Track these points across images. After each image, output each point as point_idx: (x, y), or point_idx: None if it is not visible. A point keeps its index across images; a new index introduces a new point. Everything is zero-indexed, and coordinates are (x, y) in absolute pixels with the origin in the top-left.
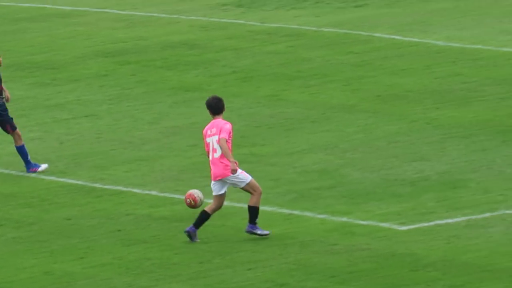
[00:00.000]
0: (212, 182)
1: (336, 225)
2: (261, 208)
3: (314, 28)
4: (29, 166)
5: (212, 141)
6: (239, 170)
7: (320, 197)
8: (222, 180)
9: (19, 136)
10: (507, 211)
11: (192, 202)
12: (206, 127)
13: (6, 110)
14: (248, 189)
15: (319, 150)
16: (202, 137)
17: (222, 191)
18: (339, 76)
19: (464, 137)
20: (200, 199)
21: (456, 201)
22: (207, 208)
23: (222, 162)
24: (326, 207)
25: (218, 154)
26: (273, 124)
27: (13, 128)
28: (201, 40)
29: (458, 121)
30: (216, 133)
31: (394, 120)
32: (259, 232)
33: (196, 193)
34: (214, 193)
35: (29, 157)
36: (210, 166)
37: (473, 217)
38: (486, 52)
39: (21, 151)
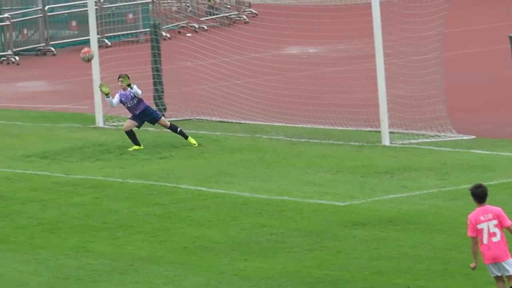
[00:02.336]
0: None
1: None
2: None
3: (119, 180)
4: None
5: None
6: None
7: None
8: None
9: None
10: None
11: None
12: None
13: None
14: None
15: None
16: None
17: None
18: (146, 227)
19: None
20: None
21: None
22: None
23: None
24: None
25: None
26: (81, 276)
27: None
28: (6, 192)
29: (266, 272)
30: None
31: (202, 272)
32: None
33: None
34: None
35: None
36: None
37: None
38: (292, 203)
39: None
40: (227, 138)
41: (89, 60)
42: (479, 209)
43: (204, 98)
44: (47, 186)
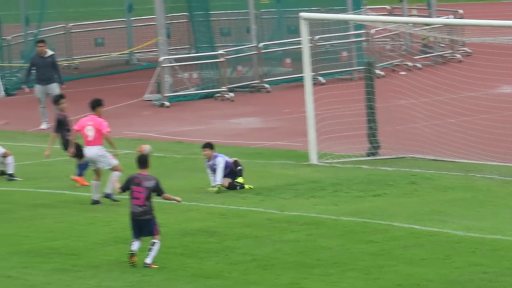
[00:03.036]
0: None
1: None
2: None
3: (333, 217)
4: None
5: None
6: None
7: None
8: None
9: None
10: None
11: None
12: None
13: None
14: None
15: None
16: None
17: None
18: (359, 264)
19: None
20: None
21: None
22: None
23: None
24: None
25: None
26: None
27: None
28: (220, 228)
29: None
30: None
31: None
32: None
33: None
34: None
35: None
36: None
37: None
38: (505, 242)
39: None
40: (441, 177)
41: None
42: None
43: (418, 136)
44: (261, 222)
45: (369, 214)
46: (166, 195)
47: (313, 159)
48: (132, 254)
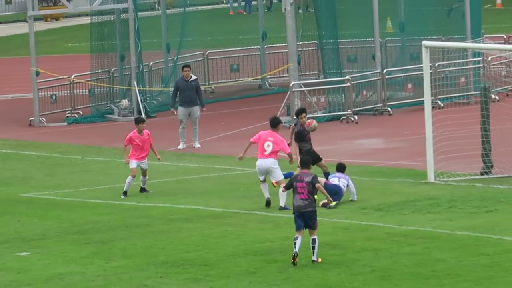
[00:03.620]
0: None
1: None
2: None
3: (448, 231)
4: None
5: None
6: None
7: None
8: None
9: None
10: None
11: None
12: None
13: None
14: None
15: None
16: None
17: None
18: (471, 276)
19: None
20: None
21: None
22: None
23: None
24: None
25: None
26: None
27: None
28: (343, 241)
29: None
30: None
31: None
32: None
33: None
34: None
35: None
36: None
37: None
38: None
39: None
40: None
41: (313, 130)
42: None
43: None
44: (380, 236)
45: (481, 229)
46: (320, 186)
47: (431, 177)
48: (295, 255)
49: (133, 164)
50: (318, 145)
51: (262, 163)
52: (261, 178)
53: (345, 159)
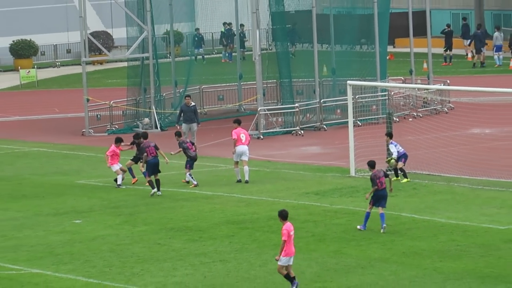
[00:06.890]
0: None
1: None
2: None
3: (363, 209)
4: None
5: None
6: None
7: None
8: None
9: None
10: None
11: None
12: None
13: None
14: None
15: None
16: None
17: None
18: (379, 239)
19: None
20: None
21: None
22: None
23: None
24: None
25: None
26: None
27: None
28: (292, 215)
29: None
30: None
31: None
32: None
33: None
34: None
35: None
36: None
37: None
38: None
39: None
40: (433, 184)
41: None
42: None
43: (421, 157)
44: (318, 212)
45: (388, 208)
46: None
47: (352, 172)
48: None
49: (116, 167)
50: (276, 150)
51: (242, 148)
52: (236, 159)
53: (294, 160)
